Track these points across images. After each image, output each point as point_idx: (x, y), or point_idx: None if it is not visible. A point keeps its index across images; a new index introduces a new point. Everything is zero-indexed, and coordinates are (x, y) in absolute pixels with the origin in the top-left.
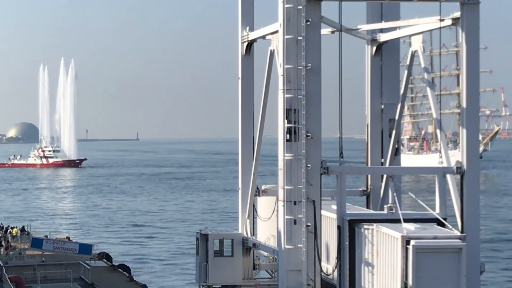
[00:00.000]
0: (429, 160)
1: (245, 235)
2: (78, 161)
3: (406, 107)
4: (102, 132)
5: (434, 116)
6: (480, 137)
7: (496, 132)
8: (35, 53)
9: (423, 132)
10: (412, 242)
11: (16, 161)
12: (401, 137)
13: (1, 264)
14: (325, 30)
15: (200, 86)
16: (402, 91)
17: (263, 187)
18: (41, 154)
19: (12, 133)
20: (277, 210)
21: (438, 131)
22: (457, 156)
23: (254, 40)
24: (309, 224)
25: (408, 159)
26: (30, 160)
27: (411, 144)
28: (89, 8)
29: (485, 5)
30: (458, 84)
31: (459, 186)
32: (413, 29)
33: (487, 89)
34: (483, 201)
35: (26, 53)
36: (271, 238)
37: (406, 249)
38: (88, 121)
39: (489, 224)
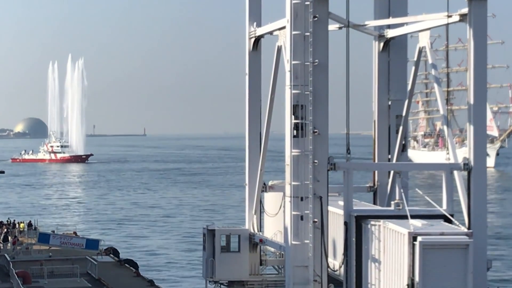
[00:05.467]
0: (444, 156)
1: (252, 231)
2: (84, 156)
3: (420, 103)
4: (109, 127)
5: (441, 112)
6: (497, 133)
7: None
8: (42, 49)
9: (437, 128)
10: (419, 238)
11: (26, 156)
12: (416, 134)
13: (8, 259)
14: (332, 26)
15: (208, 82)
16: (409, 87)
17: (270, 183)
18: (50, 149)
19: (19, 128)
20: (284, 206)
21: (445, 127)
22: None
23: (261, 36)
24: (316, 220)
25: (422, 156)
26: (40, 155)
27: (426, 140)
28: (98, 4)
29: None
30: None
31: (466, 182)
32: (420, 25)
33: (504, 85)
34: (498, 198)
35: (32, 49)
36: (278, 234)
37: (413, 245)
38: (95, 116)
39: (501, 220)
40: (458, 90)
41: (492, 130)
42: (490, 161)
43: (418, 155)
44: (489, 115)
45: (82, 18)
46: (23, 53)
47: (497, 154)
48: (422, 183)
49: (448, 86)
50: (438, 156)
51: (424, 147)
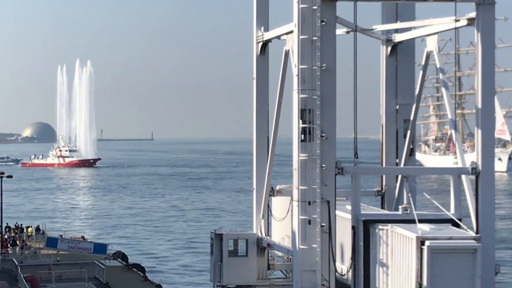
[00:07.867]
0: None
1: (259, 235)
2: (92, 160)
3: (431, 107)
4: (117, 132)
5: (449, 116)
6: (509, 138)
7: None
8: (50, 53)
9: (449, 132)
10: (427, 242)
11: (36, 161)
12: (427, 138)
13: (16, 263)
14: (340, 30)
15: (215, 86)
16: (417, 91)
17: (278, 187)
18: (58, 153)
19: (27, 132)
20: (292, 210)
21: (453, 131)
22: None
23: (269, 40)
24: (323, 224)
25: (433, 160)
26: (49, 160)
27: (437, 144)
28: (106, 8)
29: None
30: None
31: (474, 186)
32: (428, 29)
33: None
34: (509, 202)
35: (40, 54)
36: (286, 238)
37: (421, 249)
38: (103, 121)
39: (511, 224)
40: (469, 94)
41: (504, 134)
42: (503, 166)
43: (429, 159)
44: (501, 119)
45: (92, 22)
46: (30, 57)
47: (509, 159)
48: (430, 187)
49: (458, 90)
50: (449, 161)
51: (435, 151)
